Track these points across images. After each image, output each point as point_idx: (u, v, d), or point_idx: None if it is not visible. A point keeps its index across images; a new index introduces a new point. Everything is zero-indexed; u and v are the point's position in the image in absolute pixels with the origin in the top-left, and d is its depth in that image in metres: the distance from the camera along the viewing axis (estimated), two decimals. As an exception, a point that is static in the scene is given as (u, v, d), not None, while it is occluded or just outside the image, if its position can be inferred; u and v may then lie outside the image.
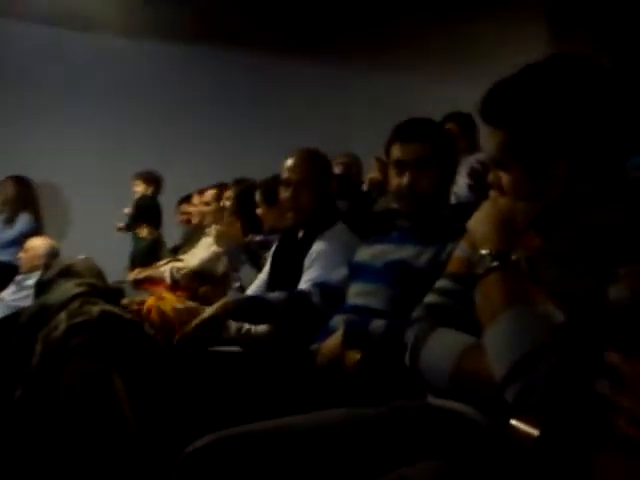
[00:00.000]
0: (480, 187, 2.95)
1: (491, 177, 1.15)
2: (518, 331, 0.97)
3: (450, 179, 1.74)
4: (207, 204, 3.90)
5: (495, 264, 1.04)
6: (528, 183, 1.08)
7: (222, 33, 5.79)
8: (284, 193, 2.12)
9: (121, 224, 5.12)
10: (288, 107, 5.92)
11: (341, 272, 1.85)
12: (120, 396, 1.23)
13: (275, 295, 1.89)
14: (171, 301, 2.16)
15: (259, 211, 2.86)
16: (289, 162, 2.12)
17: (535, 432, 0.90)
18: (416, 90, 5.80)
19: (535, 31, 6.25)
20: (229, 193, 3.27)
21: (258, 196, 2.78)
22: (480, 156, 3.40)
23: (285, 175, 2.12)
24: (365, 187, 3.78)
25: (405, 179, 1.65)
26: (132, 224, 5.05)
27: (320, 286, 1.87)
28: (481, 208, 1.16)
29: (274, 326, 1.90)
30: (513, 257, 1.05)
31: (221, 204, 3.37)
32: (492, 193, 1.16)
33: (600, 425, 0.89)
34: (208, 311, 1.81)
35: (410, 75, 6.00)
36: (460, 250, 1.26)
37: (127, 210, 5.11)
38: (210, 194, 3.89)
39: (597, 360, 0.92)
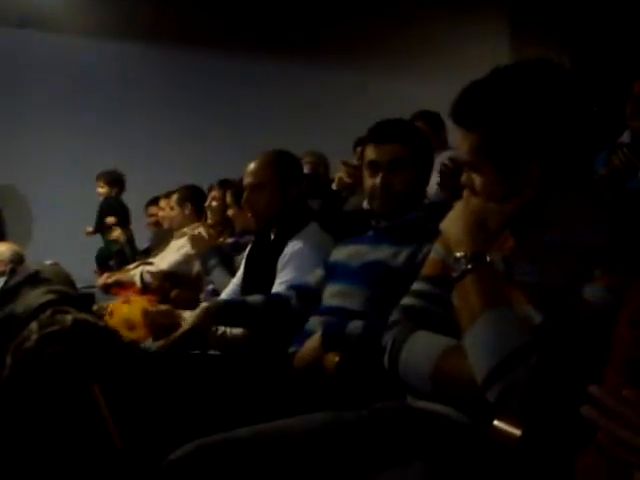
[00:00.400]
0: (451, 185, 2.98)
1: (464, 178, 1.16)
2: (497, 333, 0.98)
3: (425, 180, 1.75)
4: (172, 208, 3.86)
5: (470, 266, 1.05)
6: (501, 184, 1.09)
7: (188, 32, 5.74)
8: (247, 196, 2.13)
9: (90, 228, 5.03)
10: (255, 107, 5.88)
11: (317, 274, 1.84)
12: (103, 411, 1.21)
13: (254, 298, 1.88)
14: (139, 303, 2.15)
15: (230, 212, 2.84)
16: (251, 166, 2.12)
17: (517, 432, 0.91)
18: (383, 90, 5.83)
19: (497, 29, 6.37)
20: (215, 193, 3.24)
21: (229, 197, 2.76)
22: (449, 153, 3.43)
23: (245, 179, 2.13)
24: (335, 186, 3.78)
25: (378, 180, 1.66)
26: (100, 226, 4.97)
27: (297, 288, 1.86)
28: (454, 209, 1.17)
29: (251, 329, 1.88)
30: (488, 258, 1.06)
31: (206, 204, 3.34)
32: (465, 194, 1.17)
33: (582, 423, 0.91)
34: (190, 319, 1.79)
35: (376, 75, 6.02)
36: (435, 252, 1.27)
37: (89, 229, 5.04)
38: (175, 197, 3.85)
39: (576, 360, 0.94)
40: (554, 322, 0.99)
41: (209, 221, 3.28)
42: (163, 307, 2.06)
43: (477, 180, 1.11)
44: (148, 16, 5.58)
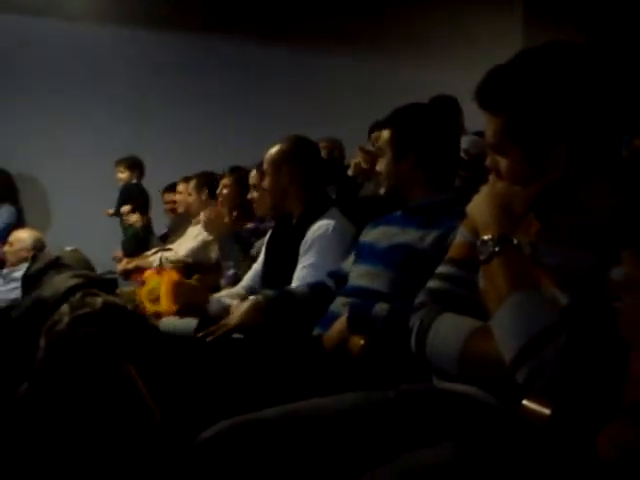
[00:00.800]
0: (469, 169, 2.98)
1: (488, 161, 1.16)
2: (525, 314, 0.99)
3: (429, 162, 1.73)
4: (190, 194, 3.88)
5: (497, 249, 1.06)
6: (527, 167, 1.09)
7: (203, 19, 5.72)
8: (264, 183, 2.15)
9: (111, 210, 5.05)
10: (271, 94, 5.87)
11: (350, 260, 1.86)
12: (141, 389, 1.24)
13: (300, 289, 1.89)
14: (170, 276, 2.17)
15: (252, 194, 2.81)
16: (269, 151, 2.15)
17: (547, 411, 0.92)
18: (399, 75, 5.79)
19: (511, 15, 6.30)
20: (225, 181, 3.25)
21: (253, 179, 2.73)
22: (465, 144, 3.42)
23: (266, 164, 2.15)
24: (350, 172, 3.78)
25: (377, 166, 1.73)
26: (119, 210, 4.99)
27: (334, 276, 1.88)
28: (480, 192, 1.17)
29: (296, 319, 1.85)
30: (515, 241, 1.07)
31: (217, 191, 3.35)
32: (490, 177, 1.18)
33: (607, 400, 0.92)
34: (239, 313, 1.78)
35: (391, 61, 5.99)
36: (460, 235, 1.28)
37: (110, 211, 5.05)
38: (192, 183, 3.87)
39: (604, 340, 0.95)
40: (581, 303, 0.99)
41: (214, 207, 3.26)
42: (194, 283, 2.08)
43: (502, 163, 1.11)
44: (163, 3, 5.56)
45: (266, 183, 2.15)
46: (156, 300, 2.21)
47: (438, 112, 1.85)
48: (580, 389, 0.93)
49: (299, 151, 2.15)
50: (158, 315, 2.17)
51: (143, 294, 2.27)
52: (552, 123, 1.05)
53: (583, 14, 5.42)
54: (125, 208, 4.82)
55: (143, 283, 2.40)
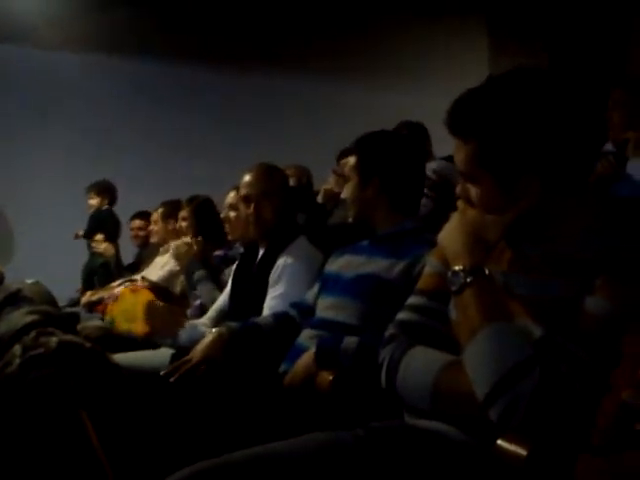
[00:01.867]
0: (437, 196, 2.98)
1: (459, 190, 1.14)
2: (498, 348, 0.96)
3: (393, 187, 1.71)
4: (155, 223, 3.82)
5: (469, 279, 1.03)
6: (499, 195, 1.06)
7: (172, 46, 5.72)
8: (244, 209, 2.10)
9: (81, 231, 4.93)
10: (236, 122, 5.88)
11: (314, 290, 1.82)
12: (92, 439, 1.16)
13: (264, 320, 1.85)
14: (145, 296, 2.11)
15: (228, 214, 2.66)
16: (246, 177, 2.11)
17: (523, 452, 0.89)
18: (365, 101, 5.85)
19: (477, 42, 6.44)
20: (183, 213, 3.19)
21: (231, 199, 2.62)
22: (434, 165, 3.43)
23: (244, 191, 2.10)
24: (320, 199, 3.76)
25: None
26: (89, 235, 4.88)
27: (298, 306, 1.84)
28: (450, 221, 1.15)
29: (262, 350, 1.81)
30: (487, 271, 1.04)
31: (177, 224, 3.28)
32: (460, 205, 1.15)
33: (583, 428, 0.89)
34: (203, 347, 1.74)
35: (358, 87, 6.04)
36: (429, 265, 1.25)
37: (80, 232, 4.93)
38: (158, 213, 3.81)
39: (578, 373, 0.92)
40: (554, 334, 0.97)
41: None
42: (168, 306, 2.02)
43: (473, 191, 1.09)
44: (132, 29, 5.54)
45: (250, 211, 2.08)
46: (132, 319, 2.15)
47: (403, 138, 1.87)
48: (555, 425, 0.90)
49: (279, 180, 2.14)
50: (129, 332, 2.11)
51: (116, 311, 2.21)
52: (522, 151, 1.02)
53: (546, 36, 5.55)
54: (98, 237, 4.71)
55: (116, 299, 2.31)
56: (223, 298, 2.24)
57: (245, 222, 2.10)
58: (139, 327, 2.14)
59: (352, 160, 1.76)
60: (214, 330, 1.79)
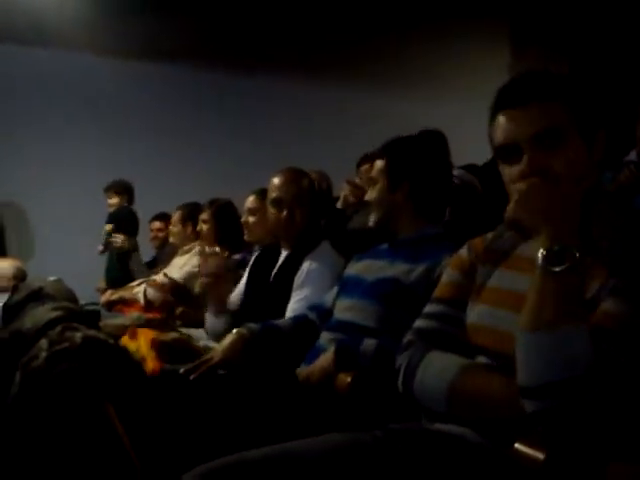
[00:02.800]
0: (458, 202, 2.99)
1: (526, 166, 1.04)
2: (570, 349, 0.90)
3: (422, 192, 1.72)
4: (175, 226, 3.85)
5: (567, 265, 0.93)
6: (587, 157, 1.04)
7: (190, 47, 5.77)
8: (275, 213, 2.11)
9: (101, 247, 4.95)
10: (258, 124, 5.91)
11: (333, 293, 1.83)
12: (118, 429, 1.19)
13: (283, 322, 1.87)
14: (145, 335, 2.11)
15: (247, 219, 2.66)
16: (277, 180, 2.12)
17: (540, 456, 0.89)
18: (384, 108, 5.86)
19: (497, 47, 6.43)
20: (204, 216, 3.22)
21: (251, 203, 2.63)
22: (455, 172, 3.43)
23: (275, 194, 2.11)
24: (339, 205, 3.78)
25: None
26: (108, 235, 4.91)
27: (317, 309, 1.86)
28: (535, 191, 1.00)
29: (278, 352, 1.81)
30: (577, 255, 0.93)
31: (197, 227, 3.30)
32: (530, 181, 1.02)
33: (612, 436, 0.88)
34: (223, 347, 1.75)
35: (378, 93, 6.06)
36: (447, 275, 1.27)
37: (109, 227, 4.96)
38: (177, 216, 3.84)
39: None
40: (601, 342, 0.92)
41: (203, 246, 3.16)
42: (171, 335, 2.04)
43: (559, 158, 1.02)
44: (151, 32, 5.60)
45: (283, 215, 2.09)
46: (142, 361, 2.16)
47: (432, 144, 1.86)
48: (580, 437, 0.90)
49: (309, 185, 2.16)
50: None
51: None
52: (598, 108, 1.04)
53: (568, 43, 5.52)
54: (108, 226, 4.73)
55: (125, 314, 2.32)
56: (234, 298, 2.27)
57: (276, 225, 2.11)
58: (150, 365, 2.14)
59: (380, 163, 1.75)
60: (234, 331, 1.81)
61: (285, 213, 2.08)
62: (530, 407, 0.92)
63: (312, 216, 2.13)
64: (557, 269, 0.93)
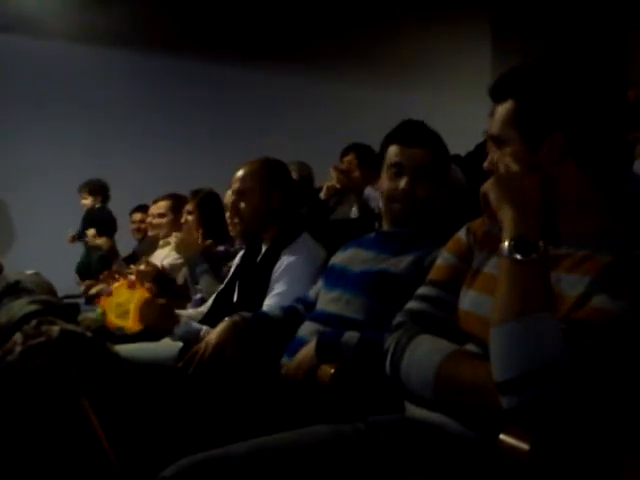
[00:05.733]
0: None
1: (487, 162, 1.13)
2: (539, 338, 0.91)
3: (441, 188, 1.69)
4: (162, 215, 3.79)
5: (534, 256, 0.95)
6: (526, 154, 1.06)
7: (173, 39, 5.71)
8: (241, 204, 2.09)
9: (72, 233, 4.92)
10: (239, 115, 5.86)
11: (317, 287, 1.81)
12: (95, 426, 1.16)
13: (274, 312, 1.84)
14: (141, 293, 2.09)
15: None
16: (239, 172, 2.11)
17: (525, 446, 0.88)
18: (364, 100, 5.85)
19: (479, 39, 6.45)
20: (189, 206, 3.17)
21: (229, 198, 2.63)
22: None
23: (236, 185, 2.10)
24: (323, 195, 3.76)
25: (403, 183, 1.61)
26: (83, 235, 4.87)
27: (303, 302, 1.84)
28: (511, 181, 1.05)
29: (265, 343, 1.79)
30: (541, 245, 0.96)
31: (182, 218, 3.26)
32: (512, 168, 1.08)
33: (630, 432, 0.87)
34: (216, 335, 1.73)
35: (360, 82, 6.04)
36: (442, 258, 1.25)
37: (70, 230, 4.93)
38: (164, 205, 3.78)
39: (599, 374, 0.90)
40: (577, 332, 0.92)
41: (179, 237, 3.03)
42: (162, 301, 2.01)
43: (503, 154, 1.08)
44: (133, 22, 5.53)
45: (243, 205, 2.08)
46: (124, 315, 2.13)
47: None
48: (565, 427, 0.89)
49: (277, 173, 2.11)
50: (121, 329, 2.10)
51: (109, 305, 2.19)
52: (554, 110, 1.04)
53: (548, 34, 5.55)
54: (90, 231, 4.70)
55: (110, 293, 2.30)
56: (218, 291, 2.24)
57: (247, 217, 2.08)
58: (129, 324, 2.11)
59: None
60: (227, 318, 1.78)
61: (250, 203, 2.05)
62: (508, 403, 0.91)
63: (287, 205, 2.09)
64: (522, 259, 0.95)
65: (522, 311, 0.93)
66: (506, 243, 0.97)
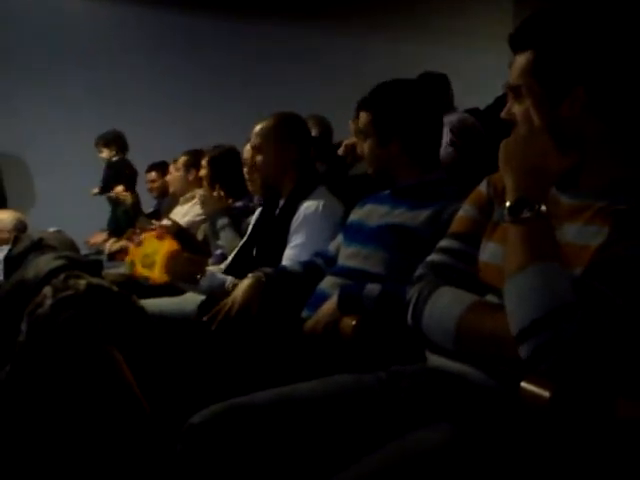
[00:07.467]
0: (461, 144, 2.97)
1: (505, 112, 1.12)
2: (544, 287, 0.93)
3: (414, 146, 1.67)
4: (177, 171, 3.81)
5: (530, 215, 0.98)
6: (546, 108, 1.05)
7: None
8: (259, 158, 2.12)
9: (95, 189, 4.96)
10: (257, 72, 5.80)
11: (337, 241, 1.83)
12: (126, 374, 1.20)
13: (294, 267, 1.87)
14: (169, 245, 2.13)
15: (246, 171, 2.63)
16: (256, 128, 2.12)
17: (546, 394, 0.90)
18: (385, 52, 5.75)
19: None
20: (203, 162, 3.18)
21: (247, 153, 2.59)
22: (456, 116, 3.40)
23: (253, 141, 2.13)
24: (340, 152, 3.73)
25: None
26: (106, 188, 4.89)
27: (323, 256, 1.85)
28: (517, 141, 1.07)
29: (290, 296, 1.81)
30: (543, 209, 0.99)
31: (199, 172, 3.27)
32: (522, 128, 1.09)
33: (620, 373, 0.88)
34: (241, 292, 1.75)
35: (378, 37, 5.93)
36: (464, 211, 1.25)
37: (95, 190, 4.95)
38: (181, 161, 3.79)
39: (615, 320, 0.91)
40: (592, 279, 0.94)
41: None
42: (188, 255, 2.04)
43: (521, 107, 1.07)
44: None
45: (260, 159, 2.10)
46: (150, 265, 2.17)
47: (418, 90, 1.74)
48: (585, 372, 0.90)
49: (293, 127, 2.13)
50: (147, 279, 2.14)
51: (137, 255, 2.22)
52: (575, 64, 1.02)
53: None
54: (118, 188, 4.72)
55: (140, 243, 2.34)
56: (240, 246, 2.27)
57: (264, 170, 2.10)
58: (156, 275, 2.15)
59: (365, 116, 1.68)
60: (250, 275, 1.80)
61: (266, 157, 2.07)
62: (525, 352, 0.93)
63: (304, 157, 2.10)
64: (521, 216, 0.99)
65: (525, 263, 0.95)
66: (506, 204, 1.01)
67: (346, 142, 3.64)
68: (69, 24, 5.46)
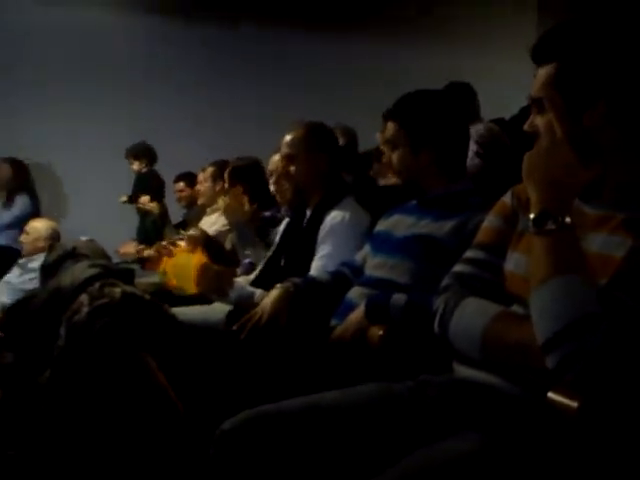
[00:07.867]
0: (486, 155, 2.97)
1: (528, 125, 1.13)
2: (569, 297, 0.94)
3: (443, 156, 1.68)
4: (206, 181, 3.86)
5: (555, 227, 0.99)
6: (567, 122, 1.06)
7: (215, 5, 5.70)
8: (290, 168, 2.13)
9: (124, 197, 5.05)
10: (285, 81, 5.85)
11: (363, 252, 1.84)
12: (160, 379, 1.24)
13: (322, 277, 1.89)
14: (200, 258, 2.17)
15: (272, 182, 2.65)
16: (287, 137, 2.14)
17: (574, 404, 0.90)
18: (413, 61, 5.75)
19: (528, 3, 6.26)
20: (226, 173, 3.23)
21: (274, 164, 2.60)
22: (482, 125, 3.40)
23: (285, 150, 2.14)
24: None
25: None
26: (134, 198, 4.99)
27: (350, 267, 1.87)
28: (540, 153, 1.08)
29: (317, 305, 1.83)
30: (568, 220, 1.00)
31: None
32: (545, 141, 1.10)
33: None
34: (270, 302, 1.76)
35: (406, 45, 5.94)
36: (489, 222, 1.26)
37: (123, 198, 5.05)
38: (208, 172, 3.85)
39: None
40: (615, 290, 0.95)
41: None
42: (218, 268, 2.08)
43: (544, 119, 1.08)
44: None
45: (293, 169, 2.12)
46: (181, 276, 2.22)
47: (447, 100, 1.77)
48: (612, 383, 0.91)
49: (322, 137, 2.15)
50: (180, 289, 2.18)
51: (170, 266, 2.27)
52: (598, 77, 1.03)
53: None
54: (144, 198, 4.81)
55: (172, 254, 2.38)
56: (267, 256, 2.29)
57: (296, 180, 2.12)
58: (188, 285, 2.20)
59: (392, 126, 1.69)
60: (279, 285, 1.82)
61: (300, 166, 2.09)
62: (551, 362, 0.93)
63: (333, 167, 2.11)
64: (545, 229, 0.99)
65: (548, 276, 0.97)
66: (531, 216, 1.02)
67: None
68: (102, 39, 5.57)
